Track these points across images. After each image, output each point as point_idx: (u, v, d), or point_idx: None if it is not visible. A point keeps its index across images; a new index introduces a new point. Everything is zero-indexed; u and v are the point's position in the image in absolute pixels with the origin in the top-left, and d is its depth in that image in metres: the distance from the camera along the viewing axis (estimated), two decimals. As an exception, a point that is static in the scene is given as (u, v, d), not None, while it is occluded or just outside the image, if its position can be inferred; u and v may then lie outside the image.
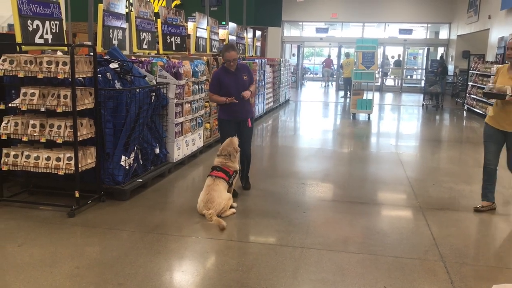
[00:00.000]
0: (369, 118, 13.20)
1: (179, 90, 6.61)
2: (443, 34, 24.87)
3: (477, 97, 14.55)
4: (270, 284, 3.49)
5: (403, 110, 16.70)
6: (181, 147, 6.82)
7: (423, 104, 16.97)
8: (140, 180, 5.60)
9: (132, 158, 5.51)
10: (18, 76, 4.72)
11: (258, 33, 17.80)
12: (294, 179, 6.53)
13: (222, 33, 13.64)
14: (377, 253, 4.08)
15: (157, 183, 6.00)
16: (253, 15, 20.29)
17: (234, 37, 13.52)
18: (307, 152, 8.78)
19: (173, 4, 18.47)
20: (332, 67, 26.90)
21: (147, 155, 5.98)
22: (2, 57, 4.77)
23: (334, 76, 26.42)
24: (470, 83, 15.78)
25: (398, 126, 13.05)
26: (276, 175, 6.81)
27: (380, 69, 23.19)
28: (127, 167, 5.39)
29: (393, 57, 27.25)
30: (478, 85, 14.52)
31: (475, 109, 14.66)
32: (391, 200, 5.87)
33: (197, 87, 7.35)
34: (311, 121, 13.19)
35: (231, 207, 4.98)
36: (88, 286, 3.36)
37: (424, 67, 24.53)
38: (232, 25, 13.58)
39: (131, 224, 4.60)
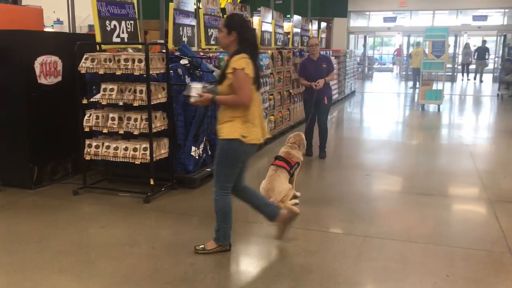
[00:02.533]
0: (438, 109, 12.80)
1: (245, 83, 6.83)
2: (522, 19, 23.37)
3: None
4: (332, 269, 3.62)
5: (476, 100, 15.98)
6: (247, 138, 7.05)
7: (498, 94, 16.14)
8: (209, 169, 5.89)
9: (201, 148, 5.82)
10: (99, 73, 5.15)
11: (323, 24, 17.70)
12: (358, 170, 6.56)
13: (287, 26, 13.73)
14: (441, 243, 4.08)
15: (224, 173, 6.27)
16: (318, 7, 20.18)
17: (298, 30, 13.58)
18: (372, 143, 8.73)
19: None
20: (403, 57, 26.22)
21: (215, 146, 6.25)
22: (85, 56, 5.22)
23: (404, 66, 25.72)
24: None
25: (470, 117, 12.54)
26: (340, 167, 6.88)
27: (457, 59, 22.19)
28: (197, 157, 5.71)
29: (474, 46, 25.93)
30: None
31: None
32: (458, 192, 5.76)
33: (262, 80, 7.55)
34: (377, 113, 13.00)
35: (294, 197, 5.13)
36: (163, 265, 3.67)
37: (500, 54, 23.19)
38: (296, 17, 13.64)
39: (201, 210, 4.90)
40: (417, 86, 17.43)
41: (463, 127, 10.61)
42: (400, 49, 26.76)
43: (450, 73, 22.73)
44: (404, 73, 24.13)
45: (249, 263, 3.82)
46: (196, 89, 3.67)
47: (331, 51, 13.57)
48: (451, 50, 22.89)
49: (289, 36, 12.69)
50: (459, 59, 23.57)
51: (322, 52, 7.97)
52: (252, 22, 10.71)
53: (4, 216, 4.70)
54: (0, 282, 3.35)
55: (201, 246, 3.87)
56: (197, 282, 3.39)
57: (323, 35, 17.51)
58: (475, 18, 23.18)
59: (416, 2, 22.83)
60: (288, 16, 13.85)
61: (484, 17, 23.12)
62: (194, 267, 3.62)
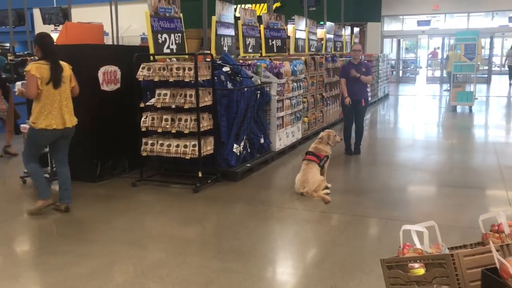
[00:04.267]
0: (470, 110, 13.06)
1: (280, 88, 7.51)
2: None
3: None
4: (358, 244, 4.22)
5: (510, 102, 16.06)
6: (282, 138, 7.71)
7: (533, 95, 16.16)
8: (249, 165, 6.57)
9: (242, 146, 6.51)
10: (154, 80, 5.92)
11: (356, 29, 18.17)
12: (388, 166, 7.10)
13: (320, 32, 14.33)
14: (456, 225, 4.59)
15: (262, 168, 6.94)
16: (351, 12, 20.65)
17: (331, 36, 14.14)
18: (402, 142, 9.21)
19: (274, 6, 19.48)
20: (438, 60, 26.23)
21: (254, 144, 6.94)
22: (142, 65, 6.01)
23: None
24: None
25: (501, 118, 12.75)
26: (372, 163, 7.45)
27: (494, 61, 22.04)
28: (238, 154, 6.40)
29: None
30: None
31: None
32: (479, 184, 6.19)
33: (296, 84, 8.19)
34: (410, 114, 13.39)
35: (326, 187, 5.73)
36: (212, 239, 4.37)
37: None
38: (329, 24, 14.20)
39: (242, 198, 5.58)
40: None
41: (493, 127, 10.90)
42: (435, 52, 26.79)
43: (486, 75, 22.70)
44: (431, 75, 24.21)
45: (286, 240, 4.46)
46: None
47: (364, 55, 14.03)
48: (486, 52, 22.87)
49: (322, 42, 13.28)
50: (504, 60, 23.27)
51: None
52: (287, 30, 11.35)
53: (75, 205, 5.49)
54: (80, 252, 4.11)
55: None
56: (243, 252, 4.05)
57: (357, 40, 17.98)
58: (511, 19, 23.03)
59: (450, 5, 22.92)
60: (322, 22, 14.45)
61: (520, 18, 22.93)
62: (239, 241, 4.29)
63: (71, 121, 5.03)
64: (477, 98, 13.72)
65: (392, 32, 25.84)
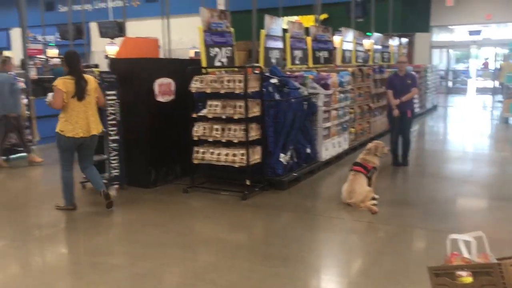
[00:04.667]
0: (524, 122, 12.65)
1: (327, 99, 7.62)
2: None
3: None
4: (404, 254, 4.28)
5: None
6: (329, 148, 7.81)
7: None
8: (295, 174, 6.71)
9: (289, 156, 6.66)
10: (206, 92, 6.19)
11: (404, 40, 17.98)
12: (436, 178, 7.06)
13: (367, 43, 14.32)
14: (506, 238, 4.54)
15: (308, 178, 7.05)
16: (399, 23, 20.45)
17: (379, 47, 14.10)
18: (452, 154, 9.08)
19: (321, 17, 19.58)
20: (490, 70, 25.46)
21: (300, 154, 7.08)
22: (195, 78, 6.30)
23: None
24: None
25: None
26: (420, 175, 7.41)
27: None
28: (285, 163, 6.56)
29: None
30: None
31: None
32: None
33: (342, 95, 8.28)
34: (459, 126, 13.11)
35: (373, 198, 5.77)
36: (260, 245, 4.55)
37: None
38: (377, 35, 14.18)
39: (289, 207, 5.73)
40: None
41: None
42: (486, 62, 26.00)
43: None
44: (482, 86, 23.47)
45: (333, 247, 4.57)
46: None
47: (412, 66, 13.89)
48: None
49: (369, 53, 13.28)
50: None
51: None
52: (333, 42, 11.44)
53: (132, 208, 5.83)
54: (136, 254, 4.37)
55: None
56: (290, 259, 4.19)
57: (405, 51, 17.79)
58: None
59: (504, 14, 22.22)
60: (369, 33, 14.43)
61: None
62: (287, 248, 4.43)
63: (97, 129, 5.55)
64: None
65: (442, 43, 25.30)
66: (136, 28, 21.68)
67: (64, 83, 5.33)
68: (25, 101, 8.95)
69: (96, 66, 16.78)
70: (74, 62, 5.48)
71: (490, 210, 5.63)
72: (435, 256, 4.18)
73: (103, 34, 19.95)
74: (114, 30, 19.62)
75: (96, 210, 5.79)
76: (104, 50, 20.43)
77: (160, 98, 6.58)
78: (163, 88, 6.60)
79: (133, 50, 6.68)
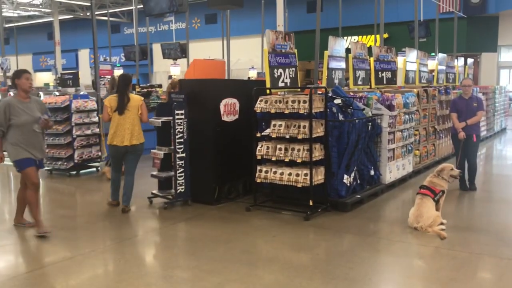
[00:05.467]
0: None
1: (391, 120, 7.52)
2: None
3: None
4: (475, 281, 4.10)
5: None
6: (393, 170, 7.66)
7: None
8: (359, 196, 6.64)
9: (352, 177, 6.61)
10: (270, 112, 6.31)
11: (470, 60, 17.42)
12: (506, 204, 6.74)
13: (432, 64, 13.99)
14: None
15: (371, 200, 6.94)
16: (465, 42, 19.88)
17: (443, 67, 13.74)
18: (522, 180, 8.63)
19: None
20: None
21: (364, 175, 7.00)
22: (260, 98, 6.44)
23: None
24: None
25: None
26: (489, 200, 7.10)
27: None
28: (348, 184, 6.51)
29: None
30: None
31: None
32: None
33: (407, 117, 8.13)
34: (531, 150, 12.45)
35: (441, 223, 5.59)
36: (325, 266, 4.52)
37: None
38: (441, 55, 13.83)
39: (353, 229, 5.67)
40: None
41: None
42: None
43: None
44: None
45: (400, 273, 4.47)
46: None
47: (478, 88, 13.43)
48: None
49: (433, 73, 12.96)
50: None
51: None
52: (397, 62, 11.29)
53: (197, 224, 5.99)
54: (205, 269, 4.47)
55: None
56: (356, 281, 4.15)
57: (470, 71, 17.22)
58: None
59: None
60: (433, 54, 14.13)
61: None
62: (352, 270, 4.39)
63: (131, 140, 6.32)
64: None
65: (510, 63, 24.24)
66: (197, 49, 22.46)
67: (109, 100, 6.42)
68: (96, 119, 9.49)
69: (160, 86, 17.49)
70: (118, 83, 6.56)
71: None
72: (508, 284, 4.00)
73: (165, 55, 20.82)
74: (176, 51, 20.44)
75: (162, 225, 6.00)
76: (167, 70, 21.30)
77: (225, 118, 6.76)
78: (228, 108, 6.79)
79: (201, 71, 6.95)
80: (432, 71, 13.19)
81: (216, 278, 4.22)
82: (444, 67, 13.74)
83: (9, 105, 5.40)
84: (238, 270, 4.42)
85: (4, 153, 5.53)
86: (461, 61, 15.81)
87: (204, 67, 7.20)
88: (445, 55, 14.07)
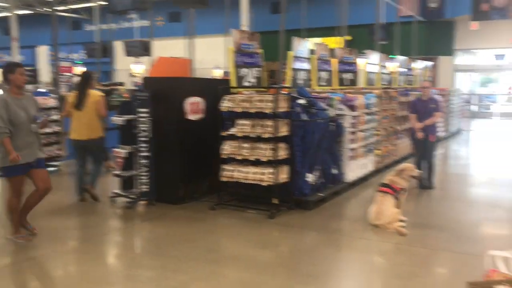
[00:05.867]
0: (552, 147, 12.47)
1: (353, 120, 7.69)
2: None
3: None
4: (433, 276, 4.27)
5: None
6: (354, 169, 7.84)
7: None
8: (322, 194, 6.76)
9: (316, 176, 6.72)
10: (236, 111, 6.33)
11: (428, 63, 18.00)
12: (462, 202, 7.03)
13: (392, 66, 14.39)
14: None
15: (334, 198, 7.08)
16: (423, 46, 20.50)
17: (403, 70, 14.15)
18: (477, 179, 9.01)
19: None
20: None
21: (327, 174, 7.13)
22: (225, 97, 6.45)
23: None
24: None
25: None
26: (446, 198, 7.37)
27: None
28: (312, 183, 6.62)
29: None
30: None
31: None
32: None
33: (369, 117, 8.34)
34: (484, 150, 12.99)
35: (401, 220, 5.77)
36: (289, 263, 4.60)
37: None
38: (401, 58, 14.25)
39: (316, 226, 5.77)
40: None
41: None
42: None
43: None
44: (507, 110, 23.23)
45: (361, 268, 4.59)
46: None
47: (436, 90, 13.88)
48: None
49: (393, 75, 13.33)
50: None
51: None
52: (358, 64, 11.54)
53: (161, 223, 5.95)
54: (170, 268, 4.45)
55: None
56: (319, 277, 4.23)
57: (428, 74, 17.79)
58: None
59: (529, 38, 22.07)
60: (393, 56, 14.52)
61: None
62: (316, 266, 4.47)
63: (88, 135, 6.54)
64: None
65: (465, 66, 25.18)
66: (161, 48, 22.19)
67: (71, 96, 6.80)
68: (57, 117, 9.25)
69: (121, 84, 17.21)
70: (80, 80, 6.87)
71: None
72: (466, 278, 4.17)
73: (128, 53, 20.46)
74: (139, 49, 20.11)
75: (126, 225, 5.93)
76: (129, 68, 20.95)
77: (191, 117, 6.74)
78: (194, 107, 6.77)
79: (166, 69, 6.89)
80: (392, 73, 13.57)
81: (181, 277, 4.21)
82: (404, 70, 14.17)
83: (6, 102, 4.89)
84: (203, 268, 4.43)
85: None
86: (420, 64, 16.32)
87: (169, 65, 7.15)
88: (405, 57, 14.50)
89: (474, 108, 24.96)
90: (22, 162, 4.89)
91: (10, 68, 5.04)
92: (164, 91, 6.60)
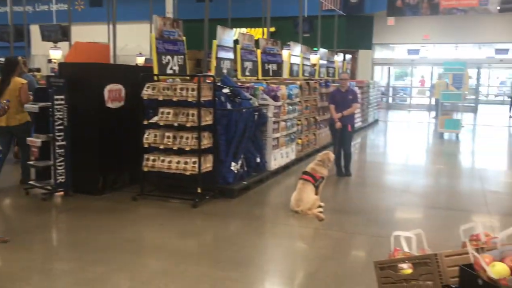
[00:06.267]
0: (457, 137, 13.51)
1: (276, 110, 7.85)
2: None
3: None
4: (349, 258, 4.51)
5: (496, 130, 16.58)
6: (277, 158, 8.02)
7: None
8: (245, 182, 6.85)
9: (239, 164, 6.79)
10: (158, 99, 6.22)
11: (348, 56, 18.73)
12: (377, 188, 7.44)
13: (314, 58, 14.81)
14: (441, 244, 4.88)
15: (257, 186, 7.20)
16: (344, 40, 21.27)
17: (325, 62, 14.62)
18: (391, 166, 9.58)
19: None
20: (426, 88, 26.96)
21: (250, 163, 7.23)
22: (147, 85, 6.31)
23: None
24: None
25: (487, 145, 13.20)
26: (362, 185, 7.77)
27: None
28: (236, 172, 6.68)
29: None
30: None
31: None
32: (462, 206, 6.50)
33: (291, 107, 8.54)
34: (398, 140, 13.82)
35: (319, 206, 6.00)
36: (211, 251, 4.63)
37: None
38: (323, 50, 14.70)
39: (239, 214, 5.85)
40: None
41: (478, 153, 11.32)
42: (423, 80, 27.55)
43: (473, 104, 23.39)
44: (420, 103, 24.88)
45: (282, 251, 4.73)
46: None
47: (354, 82, 14.50)
48: (474, 82, 23.62)
49: (315, 67, 13.74)
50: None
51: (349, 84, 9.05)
52: (282, 55, 11.76)
53: (79, 215, 5.73)
54: (87, 260, 4.31)
55: None
56: (241, 263, 4.30)
57: (349, 66, 18.53)
58: (498, 51, 23.85)
59: (440, 35, 23.65)
60: (315, 49, 14.95)
61: (506, 51, 23.76)
62: (237, 253, 4.54)
63: (8, 121, 6.44)
64: (463, 126, 14.19)
65: (383, 60, 26.51)
66: (81, 33, 21.11)
67: None
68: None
69: (38, 70, 16.22)
70: (3, 67, 6.74)
71: (426, 218, 6.02)
72: (377, 258, 4.44)
73: (45, 38, 19.31)
74: (57, 34, 19.07)
75: (41, 217, 5.65)
76: (46, 54, 19.78)
77: (110, 104, 6.52)
78: (113, 94, 6.55)
79: (84, 55, 6.60)
80: (314, 65, 13.96)
81: (100, 268, 4.10)
82: (325, 62, 14.63)
83: None
84: (123, 259, 4.34)
85: None
86: (340, 56, 16.95)
87: (86, 51, 6.85)
88: (326, 50, 14.98)
89: (390, 100, 26.41)
90: None
91: None
92: (82, 77, 6.33)
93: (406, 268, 2.50)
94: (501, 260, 2.07)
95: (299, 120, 9.18)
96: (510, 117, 20.47)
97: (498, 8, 18.77)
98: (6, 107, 5.23)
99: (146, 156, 6.34)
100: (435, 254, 2.39)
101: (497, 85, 27.79)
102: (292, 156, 8.80)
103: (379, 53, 25.97)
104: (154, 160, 6.27)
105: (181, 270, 4.12)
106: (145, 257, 4.47)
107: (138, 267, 4.18)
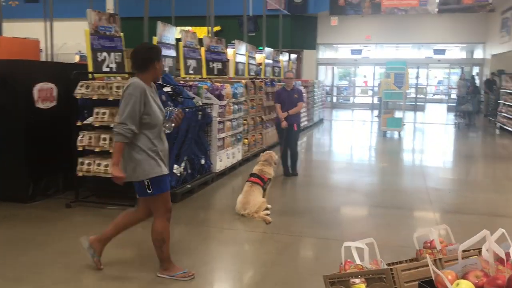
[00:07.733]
0: (399, 135, 13.82)
1: (221, 109, 7.60)
2: (478, 54, 25.13)
3: (507, 115, 14.92)
4: (297, 264, 4.33)
5: (435, 128, 17.16)
6: (223, 159, 7.77)
7: (455, 123, 17.37)
8: (189, 186, 6.55)
9: (183, 167, 6.48)
10: (92, 98, 5.80)
11: (293, 56, 18.78)
12: (323, 188, 7.36)
13: (259, 57, 14.67)
14: (387, 243, 4.82)
15: (202, 189, 6.93)
16: (289, 39, 21.32)
17: (270, 61, 14.53)
18: (336, 165, 9.57)
19: (214, 29, 19.68)
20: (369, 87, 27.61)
21: (194, 165, 6.93)
22: (80, 83, 5.88)
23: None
24: (501, 102, 16.15)
25: (427, 143, 13.60)
26: (309, 185, 7.66)
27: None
28: (179, 175, 6.37)
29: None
30: (509, 103, 14.91)
31: (506, 127, 14.98)
32: (407, 204, 6.54)
33: (236, 107, 8.32)
34: (342, 138, 13.95)
35: (266, 209, 5.82)
36: (151, 260, 4.30)
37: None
38: (268, 49, 14.61)
39: (183, 219, 5.55)
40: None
41: (420, 151, 11.59)
42: (366, 81, 28.19)
43: (413, 103, 24.19)
44: (363, 102, 25.49)
45: (228, 258, 4.48)
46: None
47: (300, 81, 14.50)
48: (414, 81, 24.43)
49: (261, 66, 13.61)
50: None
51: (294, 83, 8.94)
52: (227, 54, 11.54)
53: (7, 226, 5.23)
54: (11, 277, 3.89)
55: None
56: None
57: (294, 66, 18.57)
58: (436, 52, 24.80)
59: (381, 36, 24.28)
60: (261, 48, 14.83)
61: (443, 51, 24.75)
62: (179, 262, 4.25)
63: None
64: (404, 124, 14.55)
65: (327, 60, 26.88)
66: (15, 30, 19.90)
67: None
68: None
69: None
70: None
71: (372, 217, 5.97)
72: (326, 263, 4.30)
73: (-26, 34, 18.03)
74: (-13, 30, 17.83)
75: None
76: (-25, 51, 18.48)
77: (41, 105, 6.03)
78: (44, 94, 6.06)
79: (10, 52, 6.06)
80: (260, 64, 13.83)
81: (24, 286, 3.68)
82: (271, 61, 14.54)
83: (144, 92, 3.72)
84: (53, 275, 3.95)
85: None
86: (285, 56, 16.93)
87: (12, 47, 6.30)
88: (272, 49, 14.89)
89: (334, 99, 26.81)
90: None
91: (157, 53, 3.92)
92: (7, 75, 5.80)
93: (359, 283, 2.32)
94: (464, 276, 1.92)
95: (245, 120, 8.98)
96: (455, 115, 21.31)
97: (437, 9, 19.48)
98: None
99: (80, 160, 5.91)
100: (390, 269, 2.21)
101: (435, 84, 28.89)
102: (239, 157, 8.59)
103: (323, 53, 26.31)
104: (89, 164, 5.85)
105: (118, 284, 3.79)
106: (80, 272, 4.08)
107: (70, 283, 3.80)
